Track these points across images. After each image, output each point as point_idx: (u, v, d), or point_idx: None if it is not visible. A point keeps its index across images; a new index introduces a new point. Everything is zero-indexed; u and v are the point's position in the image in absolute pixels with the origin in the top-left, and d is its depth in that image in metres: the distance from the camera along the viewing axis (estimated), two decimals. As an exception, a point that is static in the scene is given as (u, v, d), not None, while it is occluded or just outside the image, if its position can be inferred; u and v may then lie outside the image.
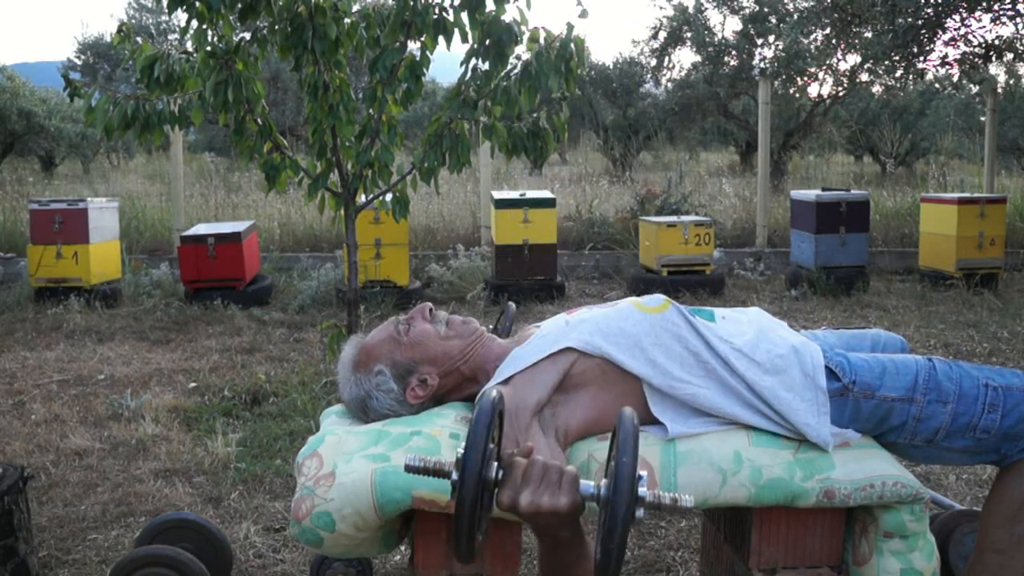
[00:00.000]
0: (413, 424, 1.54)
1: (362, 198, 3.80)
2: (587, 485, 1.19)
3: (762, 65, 13.32)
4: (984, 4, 6.22)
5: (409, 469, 1.21)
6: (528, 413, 1.46)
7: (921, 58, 6.83)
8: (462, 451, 1.14)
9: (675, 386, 1.53)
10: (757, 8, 13.46)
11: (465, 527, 1.13)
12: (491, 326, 1.97)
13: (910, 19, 6.19)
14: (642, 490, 1.11)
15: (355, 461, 1.45)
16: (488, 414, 1.16)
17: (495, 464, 1.19)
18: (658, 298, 1.64)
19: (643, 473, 1.12)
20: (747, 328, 1.63)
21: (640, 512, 1.10)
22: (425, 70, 3.58)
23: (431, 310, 1.67)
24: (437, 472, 1.20)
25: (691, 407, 1.55)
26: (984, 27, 6.61)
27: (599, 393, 1.52)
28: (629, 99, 16.67)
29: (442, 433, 1.51)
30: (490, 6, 3.40)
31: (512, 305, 2.04)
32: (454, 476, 1.14)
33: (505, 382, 1.53)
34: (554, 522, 1.19)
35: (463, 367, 1.62)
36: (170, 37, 21.71)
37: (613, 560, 1.09)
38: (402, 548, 1.78)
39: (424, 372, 1.61)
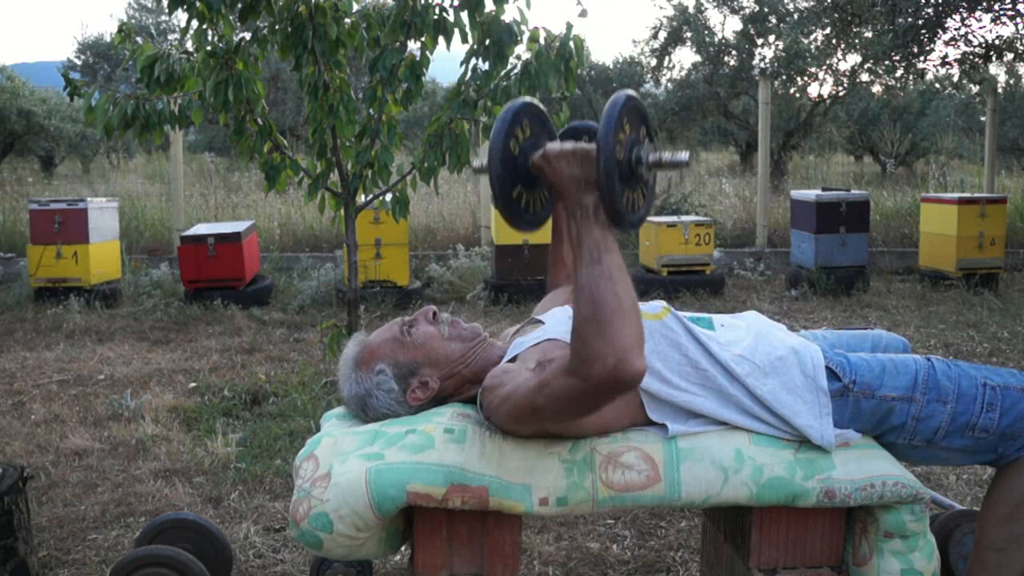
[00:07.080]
0: (409, 423, 1.54)
1: (362, 198, 3.80)
2: None
3: (762, 65, 13.32)
4: (984, 4, 6.22)
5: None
6: (531, 369, 1.46)
7: (921, 58, 6.83)
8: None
9: (672, 394, 1.53)
10: (757, 8, 13.46)
11: (499, 193, 1.42)
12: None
13: (910, 19, 6.19)
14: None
15: (350, 461, 1.46)
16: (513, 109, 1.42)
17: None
18: (657, 304, 1.62)
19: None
20: (745, 333, 1.63)
21: (642, 154, 1.34)
22: (425, 70, 3.59)
23: (435, 313, 1.68)
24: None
25: (688, 411, 1.55)
26: (984, 27, 6.62)
27: None
28: (629, 99, 16.63)
29: (436, 429, 1.51)
30: (490, 6, 3.41)
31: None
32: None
33: (511, 360, 1.54)
34: (577, 173, 1.33)
35: (464, 371, 1.63)
36: (170, 37, 21.72)
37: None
38: (402, 548, 1.78)
39: (425, 374, 1.61)
